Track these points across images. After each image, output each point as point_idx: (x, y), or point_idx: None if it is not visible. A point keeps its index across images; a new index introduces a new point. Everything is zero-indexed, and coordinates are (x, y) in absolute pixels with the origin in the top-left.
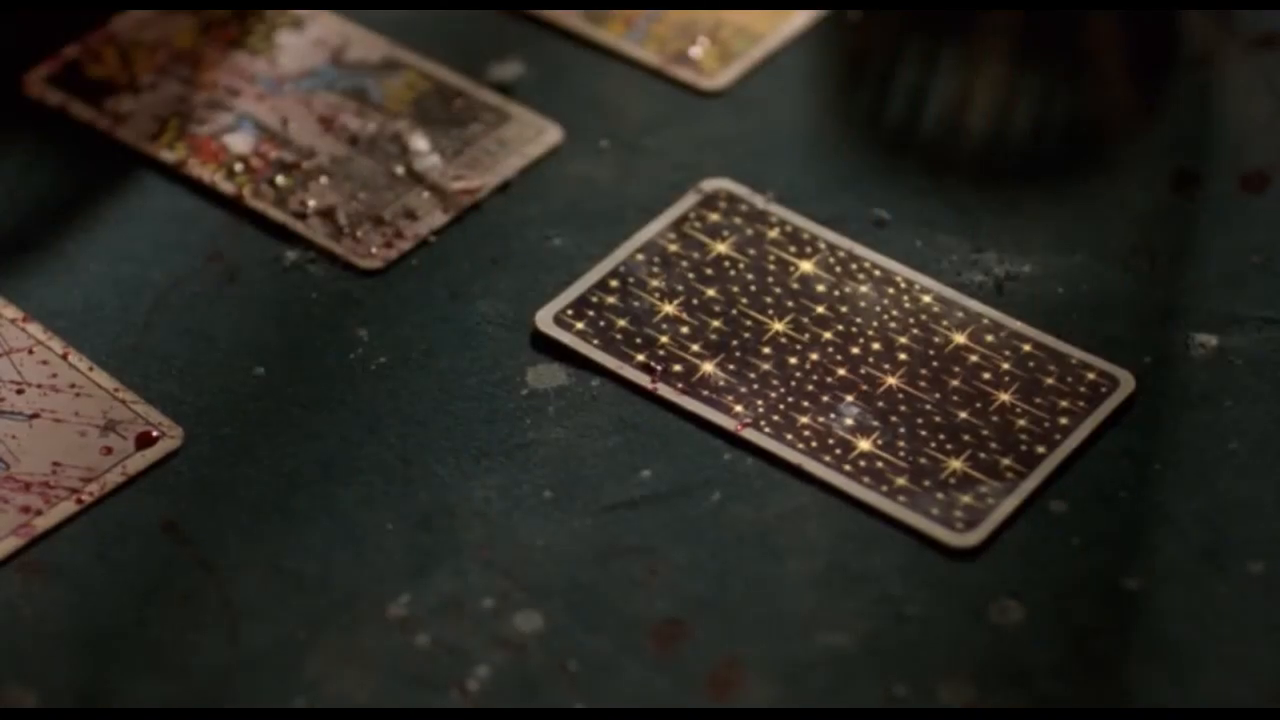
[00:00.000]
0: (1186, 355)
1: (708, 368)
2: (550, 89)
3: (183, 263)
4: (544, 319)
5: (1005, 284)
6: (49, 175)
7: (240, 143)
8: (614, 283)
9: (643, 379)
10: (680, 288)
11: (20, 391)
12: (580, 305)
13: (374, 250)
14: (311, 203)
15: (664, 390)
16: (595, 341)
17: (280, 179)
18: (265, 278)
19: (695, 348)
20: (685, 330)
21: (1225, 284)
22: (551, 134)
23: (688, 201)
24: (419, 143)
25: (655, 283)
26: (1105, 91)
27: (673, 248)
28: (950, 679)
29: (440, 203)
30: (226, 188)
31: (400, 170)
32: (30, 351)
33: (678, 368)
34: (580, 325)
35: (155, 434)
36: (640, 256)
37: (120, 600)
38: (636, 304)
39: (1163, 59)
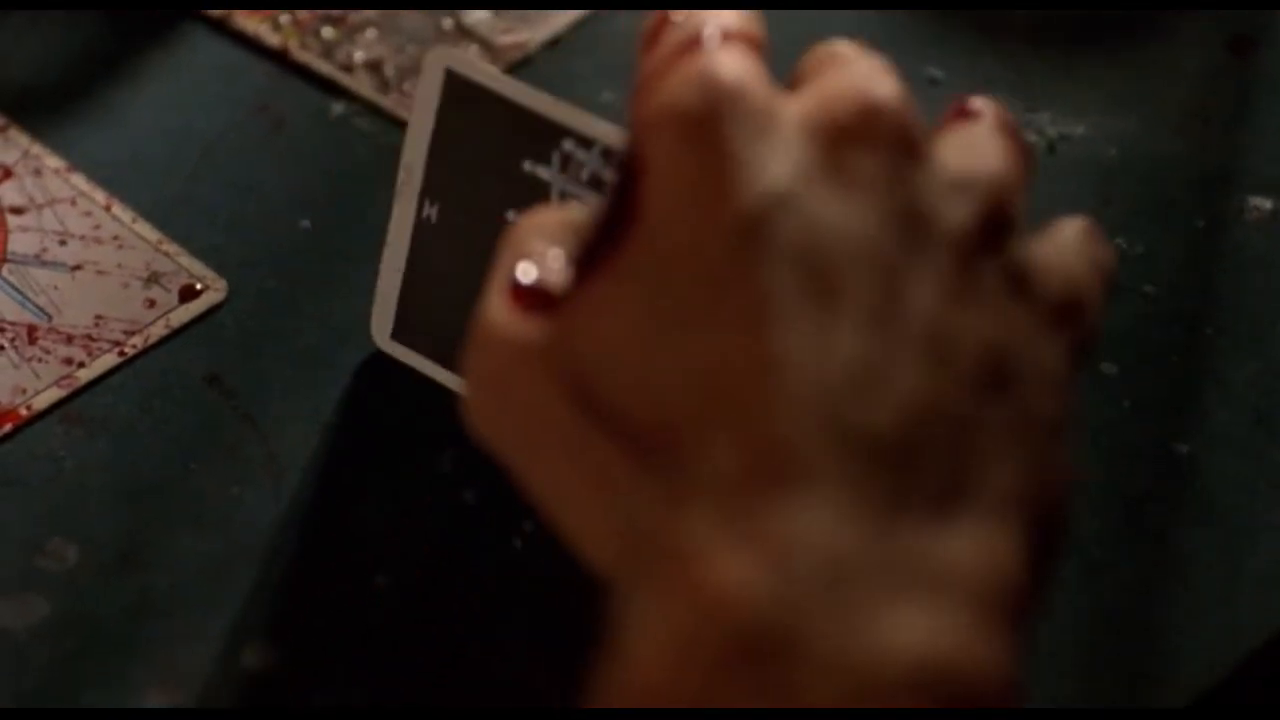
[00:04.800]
0: (1241, 219)
1: None
2: None
3: (229, 115)
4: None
5: (1058, 144)
6: (95, 26)
7: None
8: None
9: None
10: None
11: (63, 243)
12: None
13: None
14: (359, 55)
15: None
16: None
17: (327, 31)
18: (311, 130)
19: None
20: None
21: None
22: None
23: None
24: None
25: None
26: None
27: None
28: None
29: (489, 57)
30: (273, 40)
31: (449, 24)
32: (73, 203)
33: None
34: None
35: (199, 287)
36: None
37: (163, 452)
38: None
39: None
